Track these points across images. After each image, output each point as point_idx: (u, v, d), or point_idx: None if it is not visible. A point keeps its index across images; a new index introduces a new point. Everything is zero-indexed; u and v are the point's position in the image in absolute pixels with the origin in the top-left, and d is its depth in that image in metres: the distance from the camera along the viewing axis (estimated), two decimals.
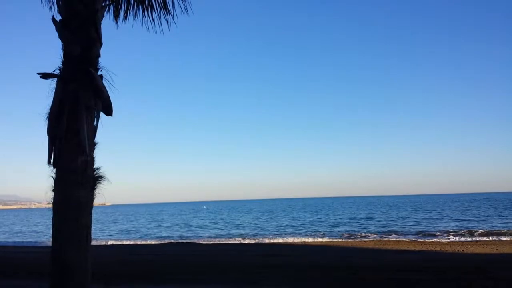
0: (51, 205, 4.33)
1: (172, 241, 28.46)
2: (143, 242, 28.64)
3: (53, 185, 4.31)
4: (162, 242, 28.14)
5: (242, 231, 35.84)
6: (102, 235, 35.08)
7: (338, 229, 34.48)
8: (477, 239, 23.55)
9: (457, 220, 39.02)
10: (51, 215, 4.29)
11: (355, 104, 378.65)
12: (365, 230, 31.98)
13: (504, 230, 28.30)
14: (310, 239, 26.75)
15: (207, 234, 34.04)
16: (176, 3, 5.47)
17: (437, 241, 22.76)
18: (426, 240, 23.92)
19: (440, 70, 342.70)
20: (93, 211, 4.51)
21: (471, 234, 26.63)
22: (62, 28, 4.39)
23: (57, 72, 4.38)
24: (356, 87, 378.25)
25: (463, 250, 17.11)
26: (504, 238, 23.30)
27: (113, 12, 5.55)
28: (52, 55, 4.48)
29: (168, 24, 5.53)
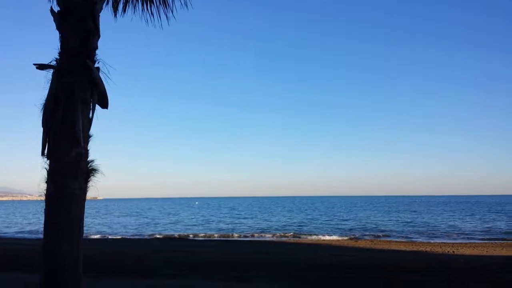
0: (43, 198, 4.29)
1: (163, 236, 28.43)
2: (134, 237, 28.58)
3: (47, 176, 4.28)
4: (153, 237, 28.11)
5: (233, 228, 35.88)
6: (94, 228, 34.94)
7: (330, 228, 34.61)
8: (468, 241, 23.75)
9: (449, 221, 39.33)
10: (43, 207, 4.26)
11: (354, 104, 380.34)
12: (357, 230, 32.14)
13: (494, 232, 28.62)
14: (302, 238, 26.87)
15: (198, 230, 34.03)
16: None
17: (428, 242, 22.91)
18: (418, 240, 24.08)
19: (440, 71, 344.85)
20: (85, 204, 4.49)
21: (462, 235, 26.86)
22: (60, 19, 4.35)
23: (54, 63, 4.34)
24: (355, 87, 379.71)
25: (453, 252, 17.23)
26: (495, 241, 23.51)
27: (112, 5, 5.52)
28: (48, 46, 4.44)
29: (167, 19, 5.51)
